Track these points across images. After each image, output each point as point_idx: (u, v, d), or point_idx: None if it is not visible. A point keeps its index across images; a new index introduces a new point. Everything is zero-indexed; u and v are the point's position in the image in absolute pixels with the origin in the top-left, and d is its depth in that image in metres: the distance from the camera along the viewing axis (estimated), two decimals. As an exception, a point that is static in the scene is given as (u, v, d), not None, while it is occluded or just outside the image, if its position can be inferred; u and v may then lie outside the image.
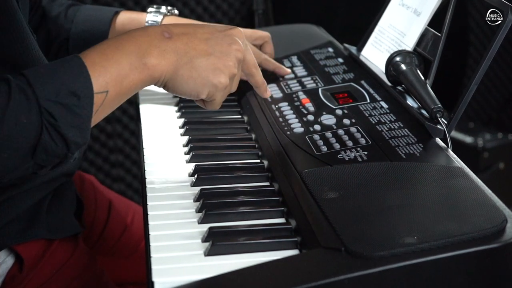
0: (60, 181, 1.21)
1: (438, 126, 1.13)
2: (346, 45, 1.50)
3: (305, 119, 1.22)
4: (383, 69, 1.29)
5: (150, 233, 0.98)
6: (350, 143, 1.11)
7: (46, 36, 1.40)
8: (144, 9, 1.45)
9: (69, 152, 0.92)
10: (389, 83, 1.28)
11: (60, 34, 1.40)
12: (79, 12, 1.40)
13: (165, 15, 1.41)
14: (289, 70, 1.42)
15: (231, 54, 1.03)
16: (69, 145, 0.91)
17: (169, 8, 1.43)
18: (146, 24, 1.40)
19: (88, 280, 1.23)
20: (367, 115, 1.20)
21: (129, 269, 1.46)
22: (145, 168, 1.16)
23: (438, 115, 1.14)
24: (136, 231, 1.46)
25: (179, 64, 1.00)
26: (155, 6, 1.42)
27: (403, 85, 1.26)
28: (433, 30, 1.28)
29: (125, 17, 1.42)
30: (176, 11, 1.44)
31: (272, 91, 1.35)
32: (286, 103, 1.29)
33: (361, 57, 1.42)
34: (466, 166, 1.04)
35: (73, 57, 0.94)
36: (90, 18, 1.40)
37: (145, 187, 1.11)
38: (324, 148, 1.11)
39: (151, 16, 1.40)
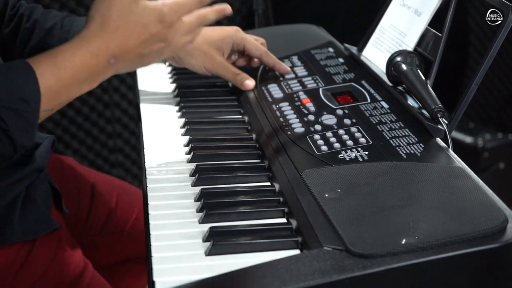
0: (32, 178, 1.19)
1: (439, 126, 1.13)
2: (346, 45, 1.50)
3: (305, 119, 1.22)
4: (384, 69, 1.29)
5: (151, 232, 0.98)
6: (350, 143, 1.11)
7: (39, 45, 1.37)
8: None
9: (16, 153, 0.98)
10: (389, 83, 1.28)
11: (55, 44, 1.35)
12: (76, 23, 1.38)
13: None
14: (288, 69, 1.43)
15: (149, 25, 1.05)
16: (17, 147, 0.97)
17: None
18: None
19: (73, 274, 1.22)
20: (367, 115, 1.20)
21: (121, 247, 1.47)
22: (146, 168, 1.16)
23: (438, 115, 1.14)
24: (123, 208, 1.46)
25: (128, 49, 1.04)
26: None
27: (403, 85, 1.26)
28: (433, 30, 1.28)
29: None
30: None
31: (273, 91, 1.35)
32: (287, 103, 1.29)
33: (361, 57, 1.42)
34: (466, 166, 1.04)
35: (20, 61, 0.99)
36: None
37: (146, 186, 1.11)
38: (325, 148, 1.11)
39: None
